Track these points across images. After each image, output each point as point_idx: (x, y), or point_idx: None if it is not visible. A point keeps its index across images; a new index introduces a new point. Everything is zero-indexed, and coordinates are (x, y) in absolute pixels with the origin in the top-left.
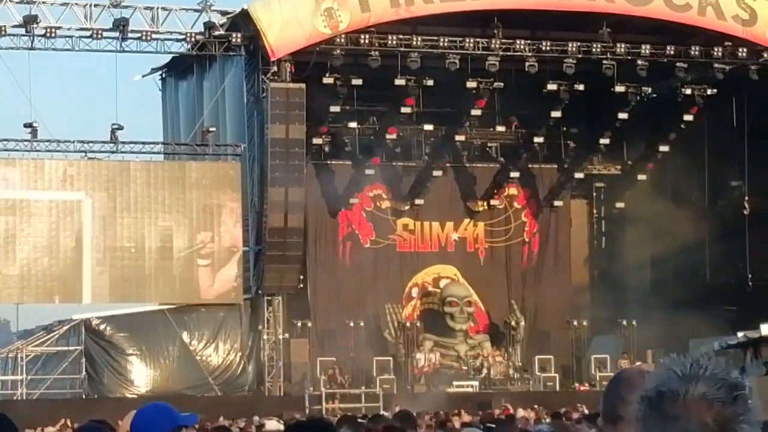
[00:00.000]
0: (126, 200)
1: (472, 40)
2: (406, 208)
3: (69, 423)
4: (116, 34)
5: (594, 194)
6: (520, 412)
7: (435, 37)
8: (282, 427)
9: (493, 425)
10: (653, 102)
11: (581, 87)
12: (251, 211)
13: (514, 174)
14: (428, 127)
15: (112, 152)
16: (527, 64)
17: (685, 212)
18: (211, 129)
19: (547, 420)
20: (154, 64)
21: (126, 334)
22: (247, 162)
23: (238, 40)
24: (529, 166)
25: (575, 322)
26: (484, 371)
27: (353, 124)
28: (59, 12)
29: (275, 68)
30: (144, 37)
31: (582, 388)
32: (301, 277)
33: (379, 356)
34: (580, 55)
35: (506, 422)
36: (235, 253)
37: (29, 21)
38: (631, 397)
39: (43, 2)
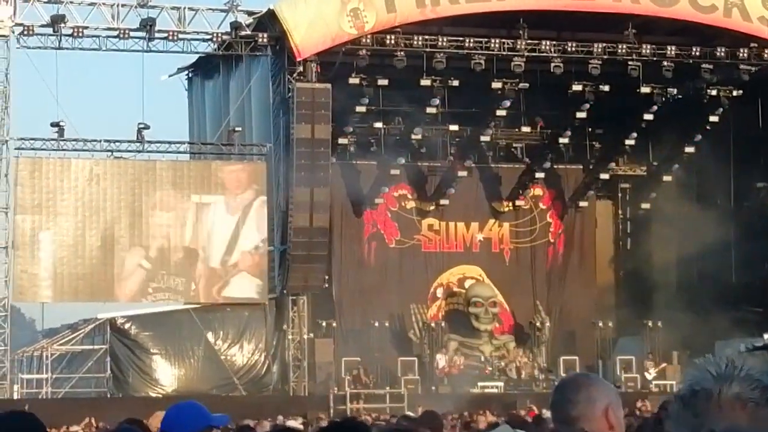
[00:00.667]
0: (152, 199)
1: (497, 41)
2: (431, 208)
3: (94, 422)
4: (143, 33)
5: (619, 195)
6: (545, 413)
7: (460, 38)
8: (301, 427)
9: (522, 429)
10: (679, 103)
11: (606, 88)
12: (277, 210)
13: (539, 174)
14: (453, 127)
15: (139, 151)
16: (552, 65)
17: (711, 213)
18: (237, 129)
19: None
20: (180, 64)
21: (151, 333)
22: (273, 162)
23: (264, 40)
24: (555, 166)
25: (600, 323)
26: (509, 372)
27: (379, 125)
28: (86, 12)
29: (301, 68)
30: (171, 37)
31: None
32: (326, 276)
33: (403, 356)
34: (605, 56)
35: (536, 424)
36: (260, 253)
37: (57, 21)
38: (579, 396)
39: (71, 2)
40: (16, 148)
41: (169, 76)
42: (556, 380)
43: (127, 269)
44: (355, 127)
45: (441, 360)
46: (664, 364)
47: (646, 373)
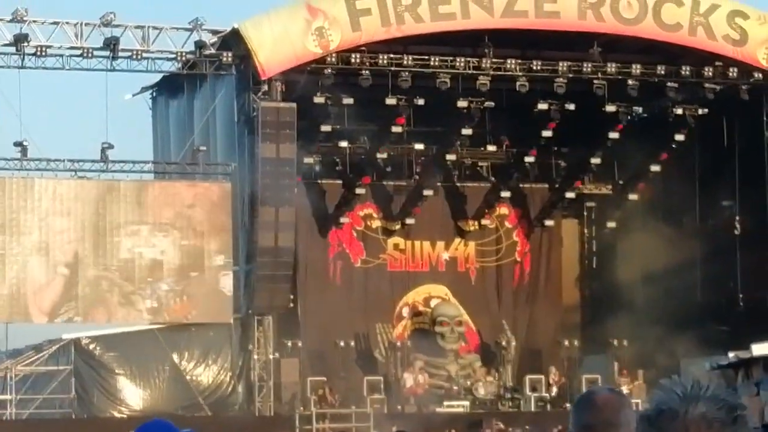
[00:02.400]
0: (116, 219)
1: (462, 60)
2: (397, 227)
3: None
4: (107, 53)
5: (585, 214)
6: None
7: (426, 57)
8: None
9: None
10: (644, 122)
11: (572, 106)
12: (241, 230)
13: (505, 194)
14: (419, 146)
15: (102, 171)
16: (518, 83)
17: (677, 232)
18: (201, 148)
19: None
20: (144, 83)
21: (116, 353)
22: (238, 181)
23: (229, 59)
24: (520, 185)
25: (566, 342)
26: (475, 391)
27: (344, 144)
28: (50, 31)
29: (266, 87)
30: (134, 56)
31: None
32: (292, 296)
33: (369, 376)
34: (570, 75)
35: None
36: (225, 273)
37: (20, 40)
38: (619, 419)
39: (34, 21)
40: None
41: (133, 95)
42: (521, 399)
43: (92, 289)
44: (320, 146)
45: (408, 379)
46: (637, 382)
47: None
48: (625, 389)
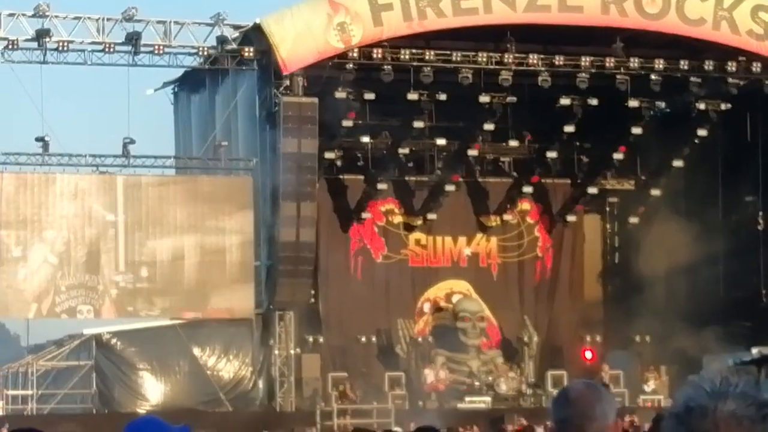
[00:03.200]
0: (137, 214)
1: (485, 55)
2: (419, 222)
3: None
4: (128, 48)
5: (607, 209)
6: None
7: (448, 52)
8: None
9: None
10: (667, 117)
11: (594, 101)
12: (263, 225)
13: (527, 189)
14: (441, 141)
15: (124, 166)
16: (540, 78)
17: (699, 227)
18: (223, 143)
19: None
20: (166, 78)
21: (137, 348)
22: (260, 176)
23: (251, 54)
24: (542, 180)
25: (588, 338)
26: (497, 387)
27: (366, 139)
28: (72, 26)
29: (288, 82)
30: (156, 51)
31: None
32: (313, 291)
33: (390, 371)
34: (593, 70)
35: None
36: (246, 268)
37: (42, 35)
38: (595, 412)
39: (56, 16)
40: (0, 164)
41: (155, 90)
42: (543, 395)
43: (114, 284)
44: (342, 142)
45: (429, 375)
46: (665, 377)
47: (644, 385)
48: (652, 385)
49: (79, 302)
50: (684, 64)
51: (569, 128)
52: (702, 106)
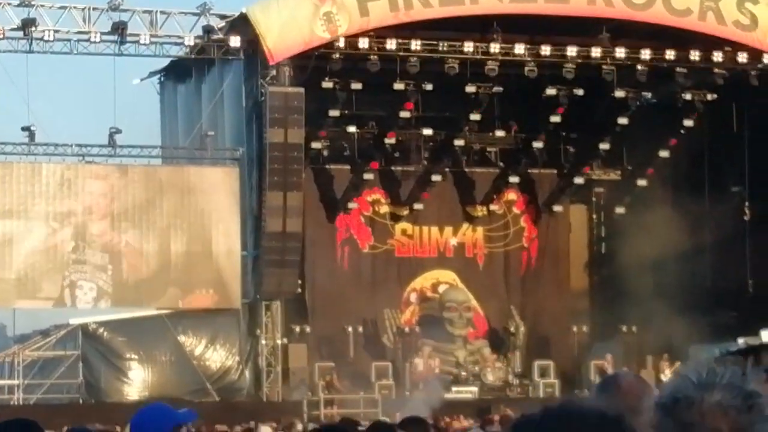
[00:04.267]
0: (123, 204)
1: (471, 45)
2: (405, 212)
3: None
4: (114, 37)
5: (594, 199)
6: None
7: (434, 42)
8: None
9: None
10: (653, 107)
11: (581, 92)
12: (249, 215)
13: (513, 179)
14: (427, 131)
15: (110, 156)
16: (526, 68)
17: (686, 218)
18: (209, 133)
19: None
20: (152, 68)
21: (124, 338)
22: (246, 166)
23: (237, 43)
24: (529, 171)
25: (575, 328)
26: (483, 377)
27: (352, 129)
28: (57, 15)
29: (274, 72)
30: (142, 41)
31: (582, 395)
32: (300, 281)
33: (377, 361)
34: (579, 60)
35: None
36: (233, 258)
37: (27, 24)
38: (642, 404)
39: (42, 5)
40: None
41: (141, 80)
42: (530, 385)
43: (100, 274)
44: (328, 131)
45: (419, 364)
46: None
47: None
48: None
49: (66, 292)
50: (670, 55)
51: (555, 118)
52: (688, 96)
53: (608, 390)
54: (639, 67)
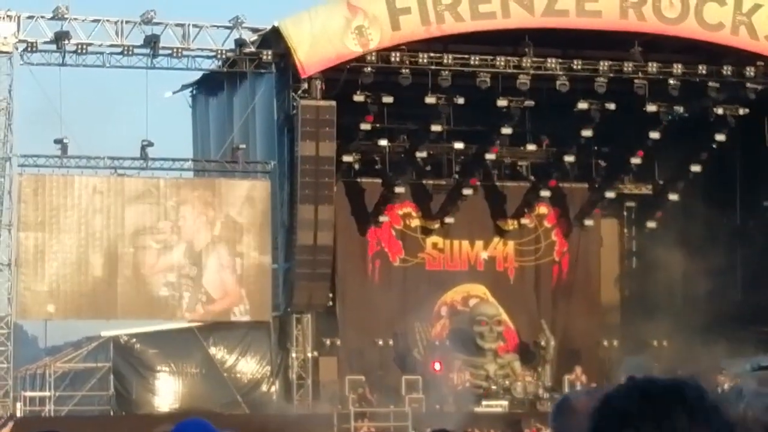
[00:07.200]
0: (155, 216)
1: (503, 59)
2: (436, 226)
3: None
4: (147, 50)
5: (625, 214)
6: None
7: (466, 56)
8: None
9: None
10: (685, 121)
11: (612, 106)
12: (281, 228)
13: (545, 193)
14: (458, 145)
15: (142, 168)
16: (558, 82)
17: (717, 232)
18: (241, 146)
19: None
20: (184, 81)
21: (155, 350)
22: (277, 179)
23: (269, 57)
24: (560, 185)
25: (605, 342)
26: (514, 391)
27: (383, 142)
28: (90, 28)
29: (306, 86)
30: (175, 54)
31: None
32: (330, 295)
33: (407, 375)
34: (611, 74)
35: None
36: (264, 271)
37: (61, 37)
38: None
39: (75, 19)
40: (19, 165)
41: (173, 93)
42: None
43: (131, 287)
44: (359, 145)
45: (454, 376)
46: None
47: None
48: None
49: (100, 304)
50: (702, 69)
51: (587, 132)
52: (720, 111)
53: (564, 413)
54: (671, 81)
